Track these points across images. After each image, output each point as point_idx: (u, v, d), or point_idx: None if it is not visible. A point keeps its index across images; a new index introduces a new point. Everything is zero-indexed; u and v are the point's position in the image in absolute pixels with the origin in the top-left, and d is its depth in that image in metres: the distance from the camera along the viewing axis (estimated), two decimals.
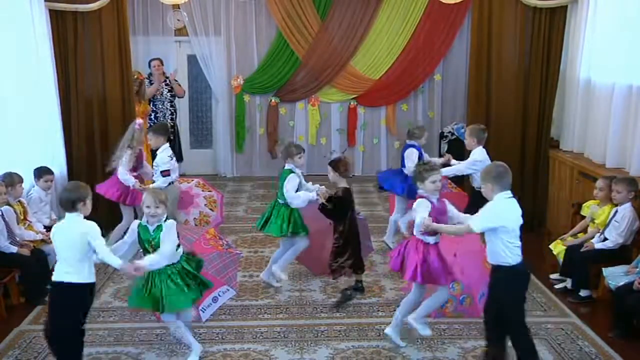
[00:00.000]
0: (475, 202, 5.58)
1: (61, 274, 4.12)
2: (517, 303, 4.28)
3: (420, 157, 6.55)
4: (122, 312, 5.47)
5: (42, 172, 6.34)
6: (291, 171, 5.76)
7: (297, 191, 5.68)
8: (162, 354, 4.74)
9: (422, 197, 4.60)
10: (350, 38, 9.97)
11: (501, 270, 4.21)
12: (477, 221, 4.20)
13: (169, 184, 6.38)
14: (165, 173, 6.34)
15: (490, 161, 5.52)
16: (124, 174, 6.38)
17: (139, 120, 6.68)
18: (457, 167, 6.42)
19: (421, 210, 4.49)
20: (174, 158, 6.53)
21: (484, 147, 6.34)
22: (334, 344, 4.90)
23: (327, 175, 5.60)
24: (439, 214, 4.52)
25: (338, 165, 5.49)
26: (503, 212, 4.15)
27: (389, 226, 6.96)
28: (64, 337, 4.16)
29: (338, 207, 5.48)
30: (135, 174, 6.55)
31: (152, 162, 6.72)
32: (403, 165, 6.65)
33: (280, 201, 5.82)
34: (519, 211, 4.22)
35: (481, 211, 4.23)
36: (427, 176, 4.56)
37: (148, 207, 4.36)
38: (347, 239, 5.52)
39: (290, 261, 6.02)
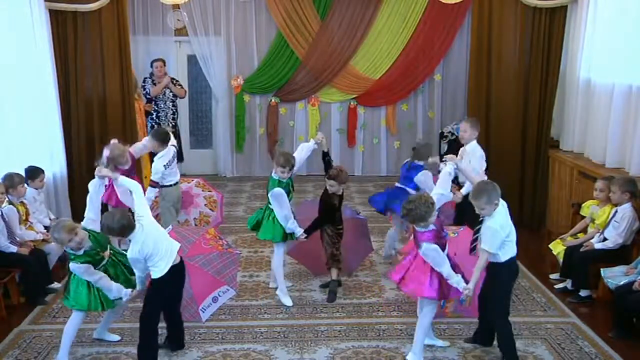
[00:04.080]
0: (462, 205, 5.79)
1: None
2: (502, 295, 4.52)
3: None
4: (122, 312, 5.47)
5: (36, 172, 6.24)
6: (279, 182, 5.48)
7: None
8: (162, 353, 4.71)
9: (427, 236, 4.39)
10: (350, 38, 9.97)
11: (495, 266, 4.44)
12: (489, 246, 4.34)
13: (174, 184, 6.34)
14: (152, 183, 6.17)
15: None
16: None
17: (113, 141, 6.33)
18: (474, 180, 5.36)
19: (443, 262, 4.38)
20: (172, 164, 6.29)
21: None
22: (334, 344, 4.90)
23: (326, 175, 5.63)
24: (439, 238, 4.49)
25: (340, 177, 5.57)
26: (503, 225, 4.35)
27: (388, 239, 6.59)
28: None
29: (329, 210, 5.62)
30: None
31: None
32: (407, 184, 6.17)
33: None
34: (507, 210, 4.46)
35: (485, 233, 4.37)
36: (431, 215, 4.38)
37: None
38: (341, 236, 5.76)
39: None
